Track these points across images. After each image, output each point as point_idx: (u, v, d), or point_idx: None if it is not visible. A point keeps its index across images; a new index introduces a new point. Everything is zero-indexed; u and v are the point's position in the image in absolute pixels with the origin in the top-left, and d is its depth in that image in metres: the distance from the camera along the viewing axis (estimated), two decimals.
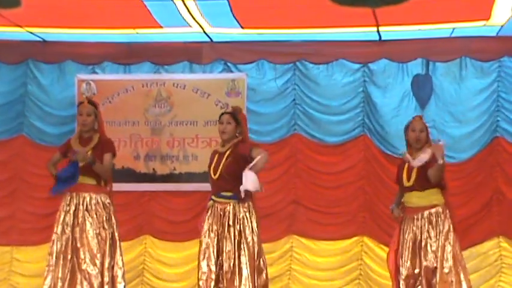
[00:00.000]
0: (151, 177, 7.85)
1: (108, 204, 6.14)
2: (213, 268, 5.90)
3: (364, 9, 6.52)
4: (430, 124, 7.46)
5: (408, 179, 6.03)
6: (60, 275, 6.00)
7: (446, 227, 5.92)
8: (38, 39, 7.84)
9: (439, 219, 5.95)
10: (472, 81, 7.64)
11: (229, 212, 5.98)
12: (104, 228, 6.08)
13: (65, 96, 8.01)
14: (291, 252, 7.77)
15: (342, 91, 7.80)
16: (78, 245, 6.02)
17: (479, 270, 7.49)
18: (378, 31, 7.35)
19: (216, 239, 5.95)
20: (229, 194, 6.01)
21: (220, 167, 5.99)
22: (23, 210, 8.00)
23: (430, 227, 5.93)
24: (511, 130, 7.59)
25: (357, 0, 6.04)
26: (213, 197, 6.05)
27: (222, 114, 6.14)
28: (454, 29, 7.29)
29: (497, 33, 7.34)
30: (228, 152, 6.04)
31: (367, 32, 7.39)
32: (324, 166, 7.80)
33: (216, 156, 6.07)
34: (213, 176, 6.01)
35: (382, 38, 7.58)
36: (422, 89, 7.66)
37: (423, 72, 7.67)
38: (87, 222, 6.05)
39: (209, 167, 6.06)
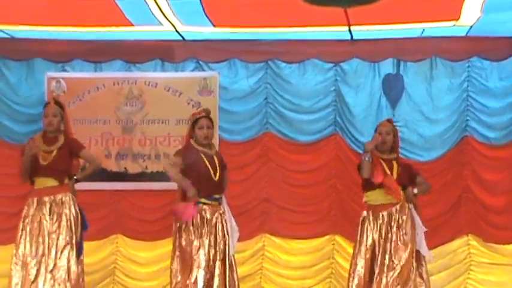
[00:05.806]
0: (123, 176, 7.77)
1: (70, 203, 6.06)
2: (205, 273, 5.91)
3: (336, 8, 6.53)
4: (401, 123, 7.59)
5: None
6: (24, 279, 5.97)
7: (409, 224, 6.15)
8: (7, 36, 7.73)
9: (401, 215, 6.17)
10: (443, 80, 7.71)
11: (220, 215, 6.05)
12: (64, 228, 6.02)
13: (34, 94, 7.88)
14: (262, 251, 7.77)
15: (313, 90, 7.81)
16: (44, 250, 5.97)
17: (448, 268, 7.58)
18: (350, 30, 7.37)
19: (207, 243, 5.99)
20: (219, 196, 6.10)
21: (219, 169, 6.05)
22: None
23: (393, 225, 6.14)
24: (480, 129, 7.67)
25: (328, 0, 6.07)
26: (203, 200, 6.01)
27: (200, 118, 6.12)
28: (424, 29, 7.34)
29: (466, 34, 7.40)
30: (216, 156, 6.14)
31: (338, 32, 7.41)
32: (296, 165, 7.81)
33: (204, 157, 6.05)
34: (214, 177, 6.01)
35: (354, 38, 7.61)
36: (393, 88, 7.71)
37: (394, 71, 7.73)
38: (49, 226, 5.99)
39: (202, 167, 6.01)
